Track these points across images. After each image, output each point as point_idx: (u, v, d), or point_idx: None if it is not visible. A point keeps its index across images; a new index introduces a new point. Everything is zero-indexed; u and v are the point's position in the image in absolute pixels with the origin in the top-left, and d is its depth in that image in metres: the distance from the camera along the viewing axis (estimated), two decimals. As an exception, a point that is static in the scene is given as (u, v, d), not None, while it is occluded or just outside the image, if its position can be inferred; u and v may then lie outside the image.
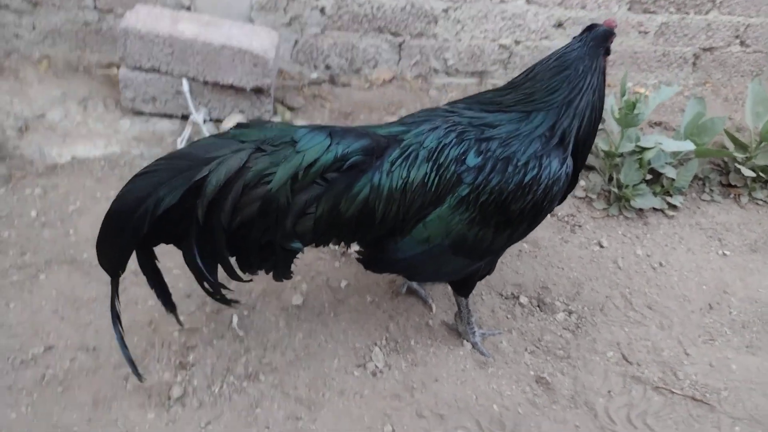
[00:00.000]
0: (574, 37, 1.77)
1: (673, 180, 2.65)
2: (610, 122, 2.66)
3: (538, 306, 2.20)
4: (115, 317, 1.54)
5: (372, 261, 1.76)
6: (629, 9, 3.24)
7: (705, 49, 3.47)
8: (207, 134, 2.40)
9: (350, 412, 1.76)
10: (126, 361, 1.53)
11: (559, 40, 3.20)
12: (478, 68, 3.25)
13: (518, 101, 1.65)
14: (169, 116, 2.57)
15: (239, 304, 1.69)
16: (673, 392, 1.96)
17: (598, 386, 1.96)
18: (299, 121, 2.70)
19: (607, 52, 1.76)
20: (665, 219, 2.65)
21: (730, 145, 2.85)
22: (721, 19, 3.37)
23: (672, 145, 2.54)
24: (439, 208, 1.61)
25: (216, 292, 1.59)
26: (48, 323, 1.84)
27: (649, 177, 2.66)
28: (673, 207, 2.68)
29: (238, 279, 1.60)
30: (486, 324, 2.10)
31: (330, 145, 1.52)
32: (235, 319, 1.96)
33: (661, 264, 2.44)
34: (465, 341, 2.02)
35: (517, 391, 1.91)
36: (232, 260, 1.58)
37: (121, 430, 1.63)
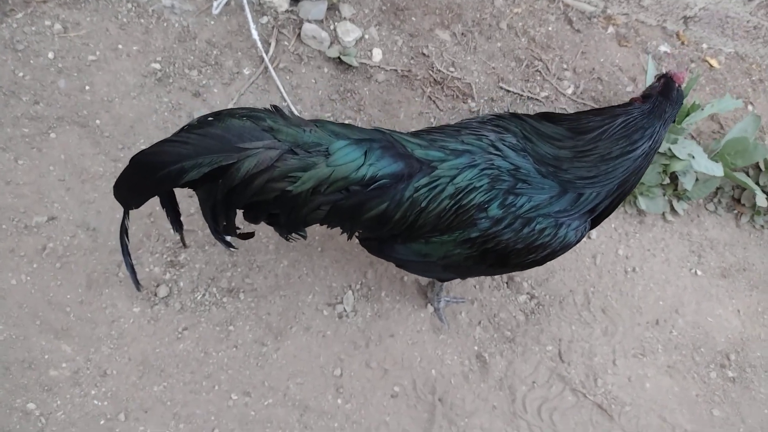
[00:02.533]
0: (648, 97, 1.62)
1: (687, 191, 2.60)
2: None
3: (507, 282, 2.32)
4: (124, 244, 1.59)
5: (368, 244, 1.80)
6: (743, -33, 2.80)
7: (798, 35, 3.10)
8: (245, 1, 2.18)
9: (310, 349, 1.96)
10: (130, 277, 1.62)
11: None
12: (554, -19, 2.87)
13: (571, 157, 1.56)
14: (209, -35, 2.29)
15: (236, 249, 1.76)
16: (586, 396, 2.22)
17: (526, 375, 2.19)
18: (346, 8, 2.43)
19: (674, 121, 1.64)
20: (661, 221, 2.66)
21: (763, 167, 2.74)
22: (832, 9, 2.95)
23: (702, 164, 2.43)
24: (444, 236, 1.62)
25: (219, 238, 1.64)
26: (53, 191, 1.89)
27: (666, 181, 2.59)
28: (675, 213, 2.67)
29: (243, 238, 1.64)
30: (454, 290, 2.23)
31: (362, 165, 1.46)
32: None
33: (634, 269, 2.53)
34: (429, 304, 2.17)
35: (456, 362, 2.12)
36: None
37: (108, 318, 1.81)
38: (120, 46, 2.13)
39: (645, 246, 2.59)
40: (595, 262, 2.48)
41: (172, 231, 1.64)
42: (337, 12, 2.40)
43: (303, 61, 2.32)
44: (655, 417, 2.25)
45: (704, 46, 3.15)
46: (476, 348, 2.16)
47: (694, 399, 2.32)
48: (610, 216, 2.56)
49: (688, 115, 2.32)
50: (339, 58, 2.32)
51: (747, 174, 2.81)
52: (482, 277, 2.28)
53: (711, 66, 3.12)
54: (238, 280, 1.97)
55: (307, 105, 2.28)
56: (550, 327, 2.29)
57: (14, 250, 1.79)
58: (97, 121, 2.00)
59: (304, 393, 1.89)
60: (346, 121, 2.28)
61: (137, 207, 1.53)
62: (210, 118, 1.47)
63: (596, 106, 2.65)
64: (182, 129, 1.47)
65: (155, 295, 1.87)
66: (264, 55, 2.24)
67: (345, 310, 2.05)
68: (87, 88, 2.05)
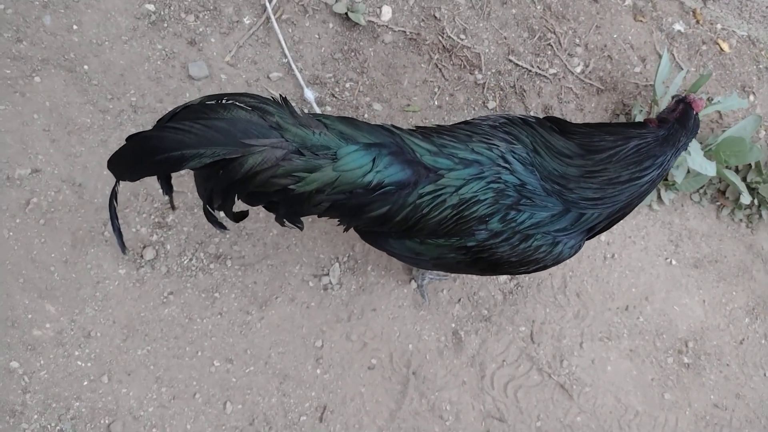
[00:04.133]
0: (664, 122, 1.56)
1: (677, 182, 2.59)
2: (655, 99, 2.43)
3: (490, 262, 2.33)
4: (113, 207, 1.52)
5: (362, 233, 1.76)
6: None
7: (814, 27, 2.98)
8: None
9: (293, 319, 1.96)
10: (117, 241, 1.56)
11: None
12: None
13: (578, 177, 1.52)
14: None
15: (229, 231, 1.70)
16: (550, 376, 2.31)
17: (497, 353, 2.25)
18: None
19: (685, 149, 1.60)
20: (646, 210, 2.65)
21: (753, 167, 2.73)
22: None
23: (697, 162, 2.40)
24: (441, 240, 1.58)
25: (212, 220, 1.58)
26: (38, 142, 1.77)
27: (658, 172, 2.57)
28: (661, 202, 2.67)
29: (236, 220, 1.58)
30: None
31: (369, 171, 1.39)
32: (219, 196, 1.96)
33: (613, 256, 2.55)
34: (413, 281, 2.18)
35: (433, 338, 2.17)
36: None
37: (93, 279, 1.76)
38: (111, -18, 1.94)
39: (627, 233, 2.60)
40: (578, 247, 2.49)
41: (161, 192, 1.57)
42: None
43: (308, 14, 2.15)
44: (611, 398, 2.37)
45: (718, 26, 3.02)
46: (453, 325, 2.20)
47: (649, 382, 2.43)
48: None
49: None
50: (346, 14, 2.16)
51: (737, 168, 2.81)
52: (467, 256, 2.29)
53: (721, 50, 3.01)
54: (226, 246, 1.93)
55: (308, 63, 2.13)
56: (525, 308, 2.33)
57: (-4, 203, 1.71)
58: (85, 67, 1.85)
59: (284, 362, 1.92)
60: (347, 84, 2.16)
61: (131, 181, 1.46)
62: (211, 102, 1.38)
63: (602, 87, 2.56)
64: (181, 109, 1.38)
65: (141, 257, 1.83)
66: (267, 2, 2.06)
67: (330, 282, 2.04)
68: (75, 27, 1.86)
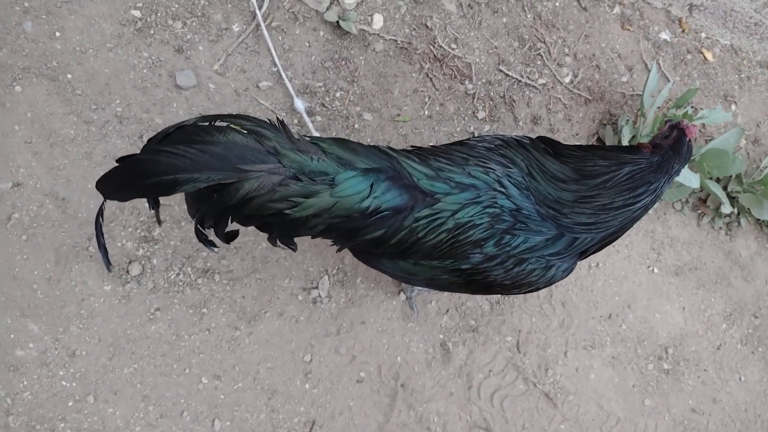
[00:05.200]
0: (658, 148, 1.57)
1: (661, 194, 2.61)
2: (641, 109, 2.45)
3: (478, 272, 2.33)
4: (99, 225, 1.47)
5: (355, 251, 1.74)
6: (762, -35, 2.65)
7: (796, 38, 3.02)
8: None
9: (282, 334, 1.94)
10: (102, 259, 1.51)
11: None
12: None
13: (572, 201, 1.52)
14: None
15: (219, 249, 1.65)
16: (536, 386, 2.33)
17: (484, 364, 2.25)
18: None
19: (678, 175, 1.60)
20: (630, 219, 2.69)
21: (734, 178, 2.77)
22: (835, 20, 2.88)
23: (681, 175, 2.43)
24: (435, 262, 1.57)
25: (202, 240, 1.55)
26: (19, 154, 1.69)
27: (643, 183, 2.59)
28: (644, 211, 2.70)
29: (226, 240, 1.54)
30: (427, 278, 2.23)
31: (366, 197, 1.37)
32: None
33: (597, 265, 2.57)
34: (402, 293, 2.17)
35: (421, 350, 2.16)
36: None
37: (77, 297, 1.71)
38: (95, -13, 1.86)
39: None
40: (564, 256, 2.51)
41: (148, 206, 1.53)
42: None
43: (298, 21, 2.09)
44: (594, 405, 2.40)
45: (703, 35, 3.04)
46: (441, 336, 2.20)
47: (630, 389, 2.47)
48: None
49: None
50: (337, 22, 2.11)
51: (718, 178, 2.85)
52: (455, 267, 2.29)
53: (705, 59, 3.03)
54: (214, 260, 1.89)
55: (299, 71, 2.08)
56: (512, 318, 2.34)
57: (-25, 220, 1.64)
58: (69, 75, 1.77)
59: (273, 377, 1.90)
60: (337, 93, 2.12)
61: (120, 201, 1.42)
62: (204, 123, 1.34)
63: (590, 97, 2.56)
64: (175, 130, 1.33)
65: (127, 272, 1.78)
66: (257, 9, 2.01)
67: (320, 296, 2.02)
68: (57, 34, 1.78)
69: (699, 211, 2.89)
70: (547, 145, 1.62)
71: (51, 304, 1.67)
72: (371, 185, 1.36)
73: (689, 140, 1.54)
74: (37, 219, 1.70)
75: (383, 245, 1.52)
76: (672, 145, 1.54)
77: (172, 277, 1.82)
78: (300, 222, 1.40)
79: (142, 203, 1.81)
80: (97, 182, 1.34)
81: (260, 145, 1.30)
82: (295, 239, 1.50)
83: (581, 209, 1.53)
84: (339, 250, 1.62)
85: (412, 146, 1.59)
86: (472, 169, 1.51)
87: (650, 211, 2.71)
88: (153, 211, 1.50)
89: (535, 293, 2.39)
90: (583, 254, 1.63)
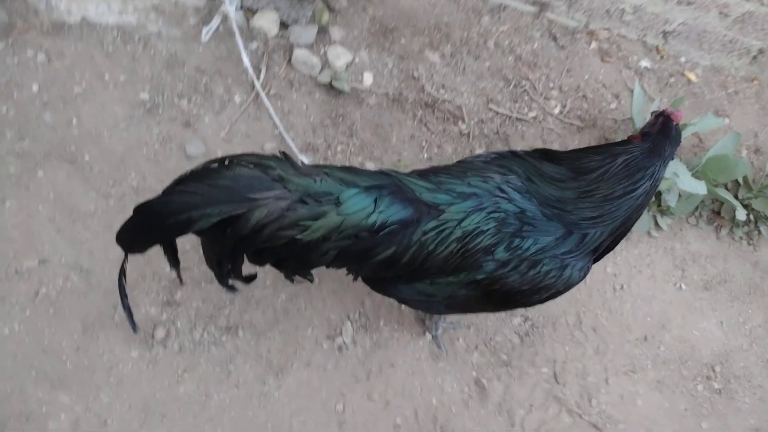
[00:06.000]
0: (647, 135, 1.64)
1: (671, 206, 2.65)
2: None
3: (502, 305, 2.34)
4: (122, 286, 1.54)
5: (371, 282, 1.78)
6: (722, -13, 2.84)
7: (772, 49, 3.17)
8: (235, 29, 2.11)
9: (311, 384, 1.93)
10: (127, 319, 1.56)
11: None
12: (540, -2, 2.87)
13: (574, 198, 1.57)
14: (197, -10, 2.21)
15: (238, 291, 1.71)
16: (581, 417, 2.25)
17: (523, 398, 2.20)
18: (336, 30, 2.38)
19: (672, 158, 1.66)
20: (646, 237, 2.70)
21: (741, 183, 2.81)
22: (806, 25, 3.03)
23: (686, 183, 2.47)
24: (450, 277, 1.60)
25: (222, 282, 1.60)
26: (43, 232, 1.81)
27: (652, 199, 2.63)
28: (659, 228, 2.72)
29: (245, 282, 1.60)
30: (451, 316, 2.23)
31: (372, 213, 1.44)
32: (226, 267, 1.99)
33: (622, 287, 2.56)
34: (427, 332, 2.17)
35: (456, 390, 2.13)
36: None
37: (105, 365, 1.75)
38: (107, 76, 2.05)
39: (631, 263, 2.63)
40: (585, 281, 2.49)
41: (168, 269, 1.59)
42: (326, 35, 2.35)
43: (294, 87, 2.27)
44: (646, 432, 2.30)
45: (682, 59, 3.20)
46: (474, 374, 2.17)
47: (683, 413, 2.37)
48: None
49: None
50: (330, 83, 2.28)
51: (726, 188, 2.88)
52: (478, 302, 2.29)
53: (689, 80, 3.17)
54: (236, 317, 1.93)
55: (300, 131, 2.23)
56: (544, 349, 2.31)
57: (5, 298, 1.72)
58: (86, 157, 1.92)
59: (306, 430, 1.87)
60: (338, 147, 2.25)
61: (141, 253, 1.49)
62: (214, 165, 1.43)
63: (582, 125, 2.67)
64: (186, 175, 1.43)
65: (153, 337, 1.82)
66: (255, 81, 2.19)
67: (344, 342, 2.03)
68: (74, 121, 1.96)
69: (715, 224, 2.91)
70: (542, 154, 1.69)
71: (80, 374, 1.71)
72: (375, 200, 1.43)
73: (676, 124, 1.61)
74: (63, 292, 1.77)
75: (396, 265, 1.56)
76: (660, 130, 1.61)
77: (197, 337, 1.86)
78: (312, 247, 1.46)
79: (163, 269, 1.89)
80: (116, 234, 1.43)
81: (265, 174, 1.39)
82: (313, 281, 1.55)
83: (584, 204, 1.58)
84: (355, 279, 1.65)
85: (412, 171, 1.67)
86: (471, 180, 1.59)
87: (665, 228, 2.73)
88: (173, 270, 1.58)
89: (564, 322, 2.37)
90: (597, 252, 1.65)
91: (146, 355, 1.80)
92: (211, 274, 1.95)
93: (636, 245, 2.66)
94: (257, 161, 1.42)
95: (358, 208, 1.43)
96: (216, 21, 2.13)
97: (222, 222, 1.38)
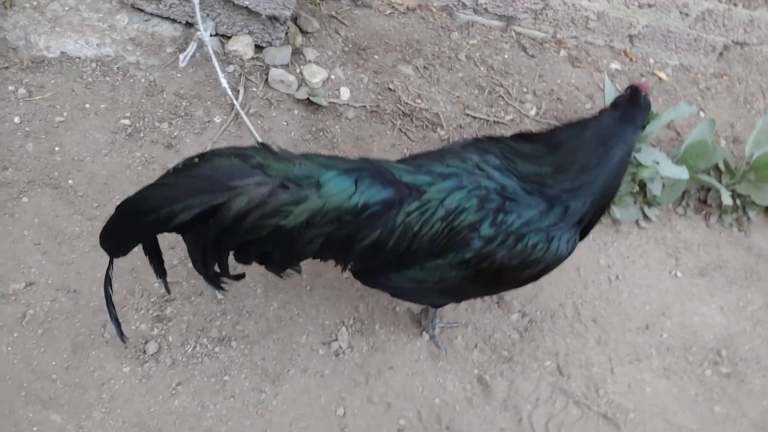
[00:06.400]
0: (617, 106, 1.69)
1: (656, 196, 2.68)
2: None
3: (497, 303, 2.32)
4: (109, 298, 1.54)
5: (362, 277, 1.78)
6: (679, -13, 2.97)
7: (737, 43, 3.28)
8: (212, 54, 2.20)
9: (309, 391, 1.90)
10: (116, 330, 1.55)
11: (598, 2, 2.96)
12: (508, 12, 2.98)
13: (552, 172, 1.60)
14: (172, 21, 2.31)
15: (227, 291, 1.71)
16: (590, 408, 2.20)
17: (529, 393, 2.16)
18: (310, 51, 2.49)
19: (643, 127, 1.70)
20: (636, 229, 2.72)
21: (722, 168, 2.86)
22: (766, 17, 3.15)
23: (668, 169, 2.52)
24: (439, 259, 1.62)
25: (211, 282, 1.61)
26: (29, 256, 1.83)
27: (636, 189, 2.67)
28: (647, 219, 2.74)
29: (234, 279, 1.60)
30: (447, 315, 2.22)
31: (353, 193, 1.47)
32: (215, 280, 2.00)
33: (617, 277, 2.56)
34: (424, 332, 2.15)
35: (458, 388, 2.09)
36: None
37: (97, 382, 1.73)
38: (87, 105, 2.12)
39: (624, 253, 2.64)
40: (579, 273, 2.51)
41: (156, 279, 1.60)
42: (301, 56, 2.45)
43: (273, 105, 2.34)
44: (660, 420, 2.25)
45: (651, 60, 3.31)
46: (476, 371, 2.14)
47: (694, 398, 2.33)
48: (588, 227, 2.62)
49: (647, 123, 2.40)
50: (308, 99, 2.35)
51: (708, 175, 2.92)
52: (474, 300, 2.28)
53: (660, 79, 3.28)
54: (228, 328, 1.92)
55: (281, 147, 2.27)
56: (545, 342, 2.29)
57: (-8, 321, 1.72)
58: (70, 181, 1.96)
59: (308, 437, 1.83)
60: (321, 160, 2.29)
61: (124, 254, 1.49)
62: (196, 160, 1.46)
63: (559, 125, 2.73)
64: (168, 172, 1.46)
65: (144, 352, 1.80)
66: (234, 101, 2.25)
67: (341, 347, 2.01)
68: (56, 149, 2.01)
69: (704, 213, 2.94)
70: (518, 136, 1.74)
71: (71, 393, 1.69)
72: (355, 181, 1.46)
73: (644, 93, 1.65)
74: (51, 313, 1.77)
75: (383, 250, 1.57)
76: (628, 99, 1.65)
77: (189, 350, 1.84)
78: (296, 234, 1.47)
79: (151, 284, 1.89)
80: (100, 236, 1.45)
81: (244, 162, 1.41)
82: (301, 272, 1.56)
83: (563, 176, 1.61)
84: (343, 270, 1.66)
85: None
86: (450, 161, 1.63)
87: (654, 219, 2.76)
88: (161, 281, 1.59)
89: (562, 314, 2.36)
90: (582, 224, 1.66)
91: (138, 371, 1.78)
92: (201, 287, 1.97)
93: (627, 236, 2.68)
94: (236, 152, 1.46)
95: (339, 189, 1.45)
96: (192, 47, 2.22)
97: (204, 215, 1.40)
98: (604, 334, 2.40)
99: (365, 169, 1.53)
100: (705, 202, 2.93)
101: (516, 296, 2.35)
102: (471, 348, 2.18)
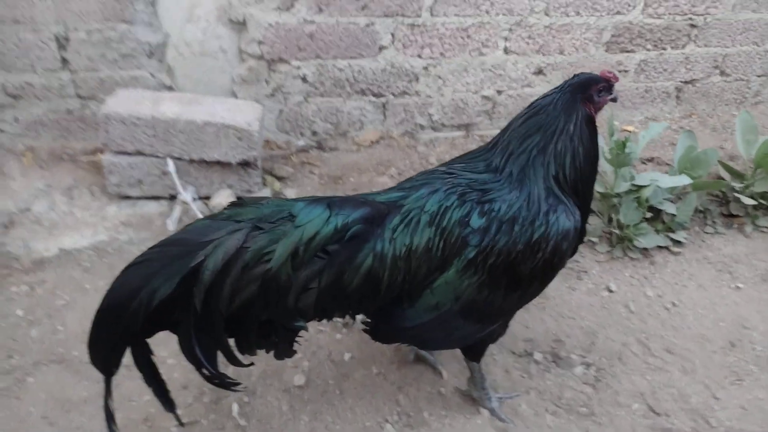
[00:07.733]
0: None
1: (674, 215, 2.58)
2: (602, 163, 2.60)
3: (554, 361, 2.08)
4: (110, 419, 1.41)
5: (379, 331, 1.65)
6: (606, 50, 3.23)
7: (686, 82, 3.46)
8: (198, 212, 2.32)
9: (369, 500, 1.62)
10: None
11: (541, 87, 3.18)
12: (463, 121, 3.22)
13: (506, 161, 1.59)
14: (157, 198, 2.49)
15: (240, 387, 1.56)
16: (708, 441, 1.83)
17: (628, 443, 1.82)
18: (289, 191, 2.63)
19: (588, 98, 1.69)
20: (671, 256, 2.56)
21: (726, 175, 2.80)
22: (698, 51, 3.37)
23: (668, 181, 2.48)
24: (446, 273, 1.52)
25: (214, 378, 1.48)
26: (35, 430, 1.71)
27: (649, 215, 2.58)
28: (678, 243, 2.59)
29: (238, 364, 1.48)
30: (501, 386, 1.97)
31: (329, 216, 1.44)
32: (235, 407, 1.82)
33: (674, 304, 2.33)
34: (481, 408, 1.89)
35: (543, 458, 1.77)
36: (231, 341, 1.48)
37: None
38: (87, 286, 2.16)
39: (670, 281, 2.44)
40: (631, 310, 2.29)
41: (164, 409, 1.46)
42: (282, 195, 2.56)
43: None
44: (799, 436, 1.85)
45: (616, 123, 3.44)
46: (556, 435, 1.82)
47: (825, 402, 1.95)
48: (620, 267, 2.47)
49: (624, 146, 2.41)
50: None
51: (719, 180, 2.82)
52: (527, 365, 2.03)
53: (630, 131, 3.37)
54: (255, 450, 1.70)
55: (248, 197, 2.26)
56: (623, 386, 1.99)
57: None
58: (75, 353, 1.91)
59: None
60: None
61: (117, 367, 1.40)
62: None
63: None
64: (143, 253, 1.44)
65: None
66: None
67: (392, 446, 1.75)
68: (59, 328, 2.00)
69: (734, 226, 2.81)
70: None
71: None
72: (327, 205, 1.45)
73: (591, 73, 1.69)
74: (62, 483, 1.59)
75: (383, 281, 1.49)
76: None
77: (221, 489, 1.61)
78: (287, 282, 1.40)
79: (167, 429, 1.73)
80: (88, 349, 1.38)
81: (214, 219, 1.42)
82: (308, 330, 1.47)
83: (515, 156, 1.60)
84: (353, 318, 1.55)
85: None
86: (417, 177, 1.64)
87: (686, 241, 2.63)
88: (169, 410, 1.48)
89: (629, 353, 2.13)
90: (576, 194, 1.60)
91: None
92: (221, 420, 1.79)
93: (665, 266, 2.51)
94: (207, 216, 1.47)
95: (313, 215, 1.43)
96: (177, 210, 2.35)
97: (188, 294, 1.35)
98: (688, 363, 2.10)
99: (334, 197, 1.53)
100: (731, 215, 2.80)
101: (571, 349, 2.11)
102: (542, 414, 1.89)
